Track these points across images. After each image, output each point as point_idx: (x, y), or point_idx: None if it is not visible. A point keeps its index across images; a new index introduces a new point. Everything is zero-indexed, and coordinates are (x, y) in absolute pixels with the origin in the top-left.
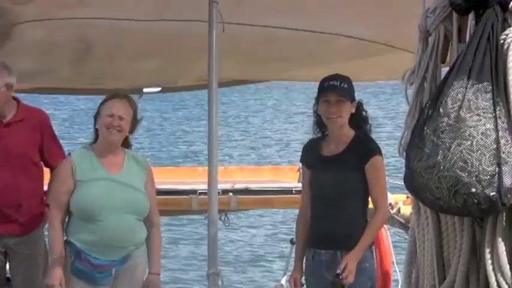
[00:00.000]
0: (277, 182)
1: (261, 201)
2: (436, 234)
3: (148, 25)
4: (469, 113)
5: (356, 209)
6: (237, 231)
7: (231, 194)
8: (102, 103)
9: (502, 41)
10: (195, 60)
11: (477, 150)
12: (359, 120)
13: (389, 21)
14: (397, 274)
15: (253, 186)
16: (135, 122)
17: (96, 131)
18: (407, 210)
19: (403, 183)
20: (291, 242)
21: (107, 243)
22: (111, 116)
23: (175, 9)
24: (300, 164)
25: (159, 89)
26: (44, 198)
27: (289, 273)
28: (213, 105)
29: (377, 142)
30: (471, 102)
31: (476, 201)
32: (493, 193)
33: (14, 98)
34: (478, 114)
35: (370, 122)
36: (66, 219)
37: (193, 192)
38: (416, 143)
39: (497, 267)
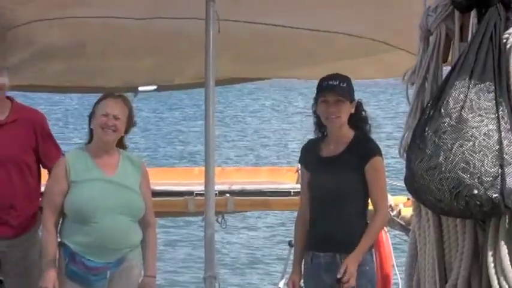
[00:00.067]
0: (275, 183)
1: (258, 203)
2: (437, 237)
3: (144, 23)
4: (471, 114)
5: (356, 211)
6: (234, 234)
7: (228, 195)
8: (97, 102)
9: (504, 40)
10: (192, 59)
11: (479, 151)
12: (359, 120)
13: (389, 20)
14: (398, 277)
15: (250, 187)
16: (130, 122)
17: (91, 131)
18: (408, 212)
19: (403, 185)
20: (289, 244)
21: (101, 245)
22: (106, 116)
23: (172, 7)
24: (299, 165)
25: (154, 87)
26: (39, 200)
27: (287, 276)
28: (210, 105)
29: (377, 143)
30: (473, 103)
31: (478, 203)
32: (496, 195)
33: (8, 98)
34: (480, 115)
35: (370, 122)
36: (60, 221)
37: (190, 193)
38: (417, 144)
39: (500, 271)
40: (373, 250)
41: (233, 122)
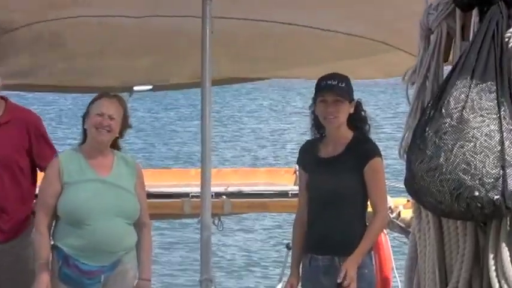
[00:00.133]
0: (273, 185)
1: (255, 205)
2: (437, 239)
3: (141, 21)
4: (473, 114)
5: (354, 213)
6: (230, 236)
7: (224, 197)
8: (92, 102)
9: (506, 39)
10: (188, 58)
11: (481, 152)
12: (358, 120)
13: (388, 20)
14: (397, 280)
15: (247, 189)
16: (125, 122)
17: (85, 131)
18: (407, 214)
19: (403, 186)
20: (287, 247)
21: (95, 248)
22: (100, 115)
23: (168, 5)
24: (297, 166)
25: (150, 87)
26: (33, 203)
27: (285, 280)
28: (206, 105)
29: (376, 143)
30: (475, 103)
31: (479, 205)
32: (497, 197)
33: (2, 98)
34: (481, 115)
35: (369, 122)
36: (53, 223)
37: (186, 195)
38: (417, 145)
39: (501, 274)
40: (373, 253)
41: (230, 122)
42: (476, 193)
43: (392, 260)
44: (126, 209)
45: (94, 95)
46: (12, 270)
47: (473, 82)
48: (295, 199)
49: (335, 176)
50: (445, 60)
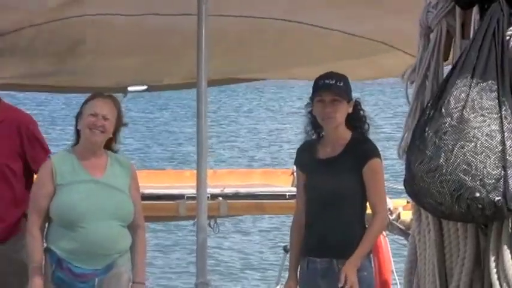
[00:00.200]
0: (270, 186)
1: (252, 207)
2: (437, 242)
3: (134, 20)
4: (473, 114)
5: (353, 215)
6: (227, 239)
7: (220, 198)
8: (85, 102)
9: (507, 37)
10: (183, 57)
11: (481, 153)
12: (356, 120)
13: (388, 19)
14: (397, 283)
15: (244, 190)
16: (119, 123)
17: (78, 132)
18: (407, 216)
19: (403, 187)
20: (285, 249)
21: (89, 251)
22: (94, 116)
23: (163, 3)
24: (294, 167)
25: (144, 87)
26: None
27: (282, 283)
28: (202, 105)
29: (375, 144)
30: (475, 102)
31: (480, 206)
32: (498, 198)
33: None
34: (482, 115)
35: (368, 121)
36: (46, 226)
37: (181, 197)
38: (417, 145)
39: (503, 277)
40: (372, 255)
41: (226, 123)
42: (477, 194)
43: (392, 262)
44: (120, 210)
45: (87, 95)
46: (5, 274)
47: (474, 81)
48: (293, 201)
49: (334, 177)
50: (445, 59)
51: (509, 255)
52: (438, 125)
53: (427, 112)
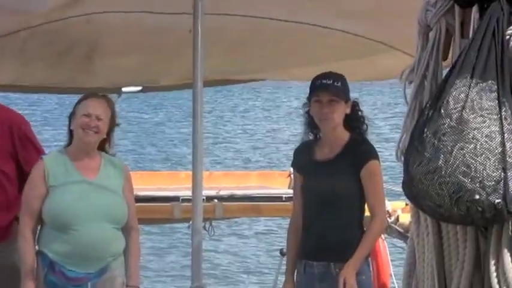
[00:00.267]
0: (266, 188)
1: (248, 209)
2: (436, 245)
3: (128, 19)
4: (473, 114)
5: (351, 217)
6: (222, 241)
7: (216, 201)
8: (78, 102)
9: (508, 37)
10: (180, 57)
11: (481, 154)
12: (354, 121)
13: (388, 19)
14: (395, 287)
15: (240, 192)
16: (113, 124)
17: (71, 132)
18: (406, 218)
19: (401, 190)
20: (281, 253)
21: (82, 254)
22: (87, 116)
23: (158, 1)
24: (291, 169)
25: (139, 88)
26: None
27: (279, 287)
28: (198, 105)
29: (374, 145)
30: (475, 103)
31: (480, 209)
32: (498, 200)
33: None
34: (482, 115)
35: (366, 122)
36: (38, 228)
37: (176, 199)
38: (415, 147)
39: (503, 280)
40: (370, 259)
41: (222, 123)
42: (477, 196)
43: (390, 266)
44: (113, 212)
45: (80, 95)
46: None
47: (473, 81)
48: (290, 203)
49: (331, 179)
50: (444, 58)
51: (510, 259)
52: (437, 126)
53: (426, 113)
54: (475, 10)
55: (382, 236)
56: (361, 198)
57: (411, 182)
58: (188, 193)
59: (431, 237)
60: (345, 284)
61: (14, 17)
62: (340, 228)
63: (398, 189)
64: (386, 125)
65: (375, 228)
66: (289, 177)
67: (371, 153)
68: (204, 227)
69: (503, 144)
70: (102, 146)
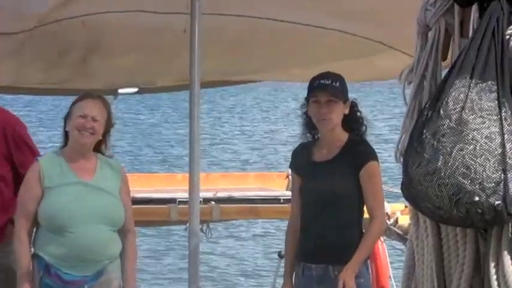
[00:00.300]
0: (264, 190)
1: (246, 211)
2: (436, 247)
3: (124, 19)
4: (472, 115)
5: (350, 219)
6: (220, 244)
7: (213, 203)
8: (74, 103)
9: (508, 36)
10: (177, 58)
11: (481, 156)
12: (353, 121)
13: (387, 19)
14: None
15: (237, 194)
16: (109, 125)
17: (66, 133)
18: (405, 220)
19: (400, 191)
20: (279, 255)
21: (78, 256)
22: (83, 117)
23: (154, 1)
24: (289, 170)
25: (135, 89)
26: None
27: None
28: (195, 106)
29: (373, 146)
30: (474, 103)
31: (479, 210)
32: (498, 202)
33: None
34: (481, 116)
35: (365, 123)
36: (34, 231)
37: (173, 201)
38: (414, 148)
39: (503, 283)
40: (369, 261)
41: (219, 124)
42: (477, 198)
43: (390, 268)
44: (110, 214)
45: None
46: None
47: (473, 81)
48: (288, 205)
49: (329, 181)
50: (444, 58)
51: (510, 261)
52: (436, 127)
53: (425, 113)
54: (474, 9)
55: (381, 238)
56: (360, 200)
57: (410, 183)
58: (185, 195)
59: (431, 239)
60: (344, 287)
61: (11, 19)
62: (339, 230)
63: (398, 190)
64: (386, 125)
65: (374, 230)
66: (287, 179)
67: (370, 154)
68: (201, 229)
69: (503, 145)
70: (99, 148)
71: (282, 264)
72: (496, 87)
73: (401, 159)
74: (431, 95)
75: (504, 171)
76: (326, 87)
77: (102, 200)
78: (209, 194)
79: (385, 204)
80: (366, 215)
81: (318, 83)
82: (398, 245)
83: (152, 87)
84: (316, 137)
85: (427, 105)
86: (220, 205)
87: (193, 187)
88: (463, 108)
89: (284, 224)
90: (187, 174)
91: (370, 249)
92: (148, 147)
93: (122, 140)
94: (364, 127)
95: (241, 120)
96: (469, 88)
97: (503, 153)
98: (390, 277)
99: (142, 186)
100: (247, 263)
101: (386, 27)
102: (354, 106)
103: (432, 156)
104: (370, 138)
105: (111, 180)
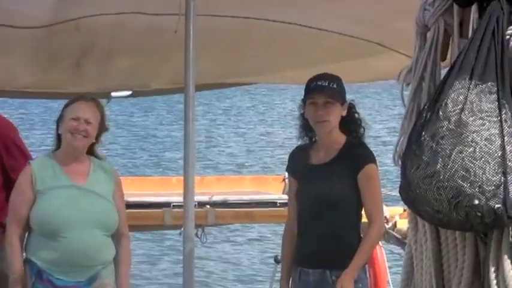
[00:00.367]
0: (260, 194)
1: (241, 215)
2: (435, 251)
3: (118, 21)
4: (472, 117)
5: (348, 223)
6: (215, 248)
7: (208, 207)
8: (66, 106)
9: (507, 37)
10: (171, 60)
11: (480, 158)
12: (351, 123)
13: (385, 20)
14: None
15: (233, 198)
16: (102, 127)
17: (59, 136)
18: (404, 224)
19: (399, 195)
20: (275, 260)
21: (71, 262)
22: (76, 120)
23: (148, 2)
24: (286, 174)
25: (129, 92)
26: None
27: None
28: (190, 108)
29: (371, 148)
30: (474, 105)
31: (479, 214)
32: (498, 205)
33: None
34: (481, 118)
35: (363, 125)
36: (26, 235)
37: (167, 205)
38: (413, 150)
39: (503, 287)
40: (367, 266)
41: (214, 126)
42: (476, 201)
43: (388, 273)
44: (104, 218)
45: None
46: None
47: (473, 83)
48: (284, 209)
49: (327, 184)
50: (443, 59)
51: (510, 266)
52: (435, 129)
53: (424, 115)
54: (474, 9)
55: (380, 242)
56: (358, 203)
57: (409, 186)
58: (180, 199)
59: (430, 243)
60: None
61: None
62: (336, 234)
63: (396, 194)
64: (384, 127)
65: (373, 234)
66: (283, 182)
67: (368, 157)
68: (196, 234)
69: (503, 147)
70: (92, 151)
71: (279, 269)
72: (496, 88)
73: (400, 162)
74: (430, 97)
75: (504, 174)
76: (323, 89)
77: (95, 204)
78: (204, 198)
79: (384, 207)
80: (364, 219)
81: (315, 85)
82: (397, 249)
83: (146, 90)
84: (313, 139)
85: (425, 107)
86: (216, 209)
87: (188, 191)
88: (462, 109)
89: (280, 228)
90: (182, 178)
91: (368, 254)
92: (143, 150)
93: (116, 143)
94: (362, 129)
95: (237, 123)
96: (468, 89)
97: (503, 156)
98: (388, 282)
99: (136, 190)
100: (243, 268)
101: (384, 28)
102: (351, 108)
103: (431, 158)
104: (368, 141)
105: (105, 184)
